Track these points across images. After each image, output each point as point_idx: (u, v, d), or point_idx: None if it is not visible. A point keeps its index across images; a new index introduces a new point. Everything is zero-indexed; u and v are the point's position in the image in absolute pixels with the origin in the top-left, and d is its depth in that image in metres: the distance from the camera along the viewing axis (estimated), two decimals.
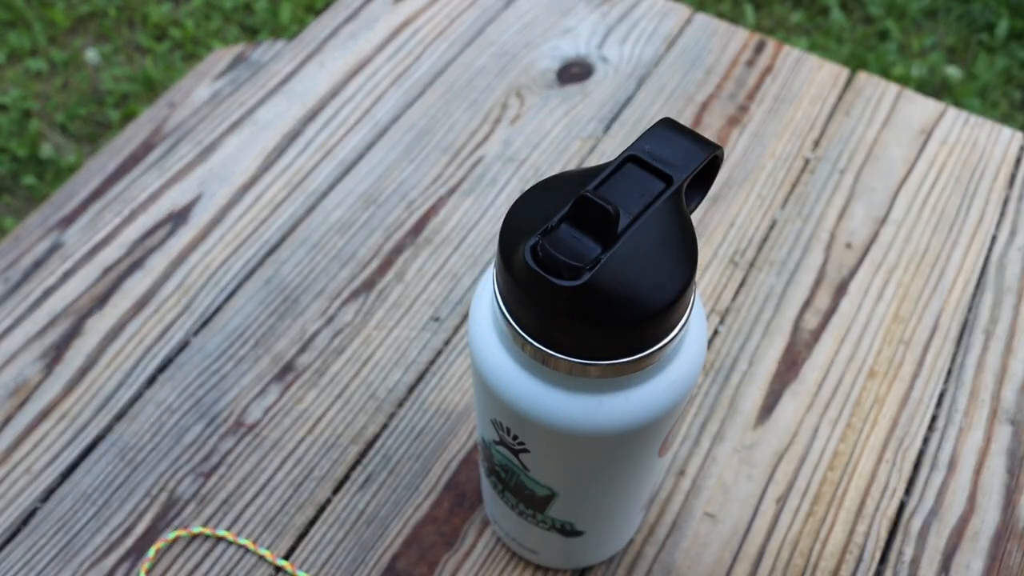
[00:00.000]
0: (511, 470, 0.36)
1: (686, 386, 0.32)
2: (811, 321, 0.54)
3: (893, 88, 0.66)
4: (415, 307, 0.54)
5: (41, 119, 1.47)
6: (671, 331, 0.29)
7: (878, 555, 0.46)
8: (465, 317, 0.54)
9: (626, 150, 0.29)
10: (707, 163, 0.29)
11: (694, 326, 0.32)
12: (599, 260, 0.26)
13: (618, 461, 0.34)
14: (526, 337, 0.29)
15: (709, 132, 0.63)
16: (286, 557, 0.46)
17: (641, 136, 0.29)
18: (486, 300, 0.33)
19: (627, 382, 0.30)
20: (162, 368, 0.52)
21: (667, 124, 0.30)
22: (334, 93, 0.65)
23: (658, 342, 0.29)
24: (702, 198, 0.31)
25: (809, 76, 0.67)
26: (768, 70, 0.67)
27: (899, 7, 1.64)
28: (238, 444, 0.49)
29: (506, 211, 0.30)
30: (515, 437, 0.33)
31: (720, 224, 0.59)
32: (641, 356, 0.29)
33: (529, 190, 0.30)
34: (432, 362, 0.52)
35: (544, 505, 0.37)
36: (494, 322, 0.32)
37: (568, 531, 0.39)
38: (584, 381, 0.30)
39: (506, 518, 0.42)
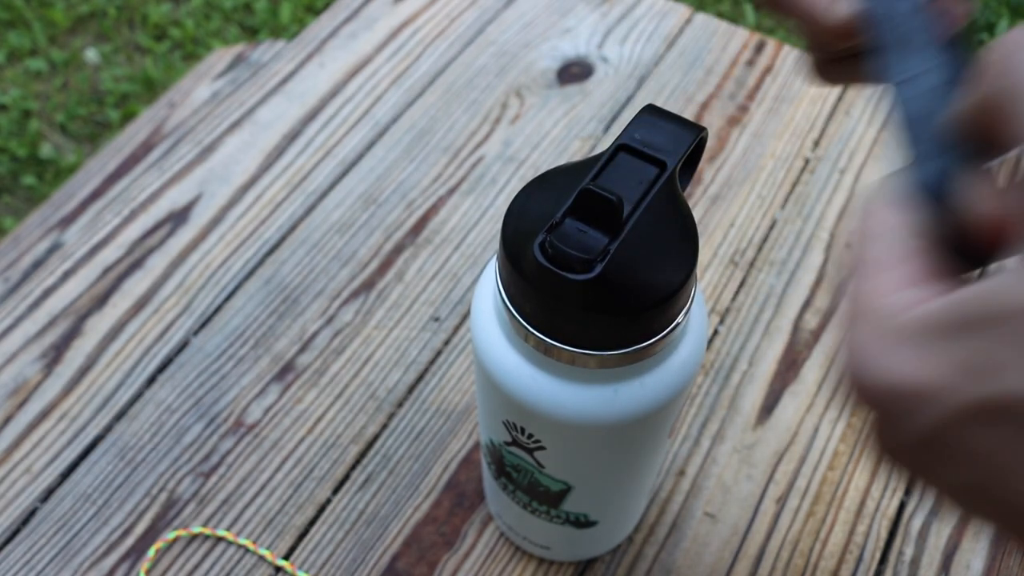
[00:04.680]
0: (524, 469, 0.36)
1: (696, 363, 0.32)
2: (811, 321, 0.54)
3: None
4: (415, 307, 0.54)
5: (41, 119, 1.47)
6: (683, 309, 0.29)
7: (878, 555, 0.46)
8: (465, 317, 0.54)
9: (616, 140, 0.29)
10: (695, 145, 0.29)
11: (696, 301, 0.32)
12: (608, 250, 0.27)
13: (634, 446, 0.34)
14: (550, 342, 0.29)
15: (709, 132, 0.63)
16: (286, 557, 0.46)
17: (628, 125, 0.29)
18: (490, 305, 0.33)
19: (642, 367, 0.30)
20: (162, 368, 0.52)
21: (651, 111, 0.30)
22: (334, 93, 0.65)
23: (673, 322, 0.29)
24: (691, 178, 0.31)
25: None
26: (768, 70, 0.67)
27: None
28: (238, 444, 0.49)
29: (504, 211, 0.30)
30: (530, 436, 0.33)
31: (720, 224, 0.59)
32: (660, 338, 0.29)
33: (524, 188, 0.30)
34: (432, 362, 0.52)
35: (559, 500, 0.37)
36: (502, 327, 0.31)
37: (582, 523, 0.39)
38: (601, 372, 0.30)
39: (515, 517, 0.42)
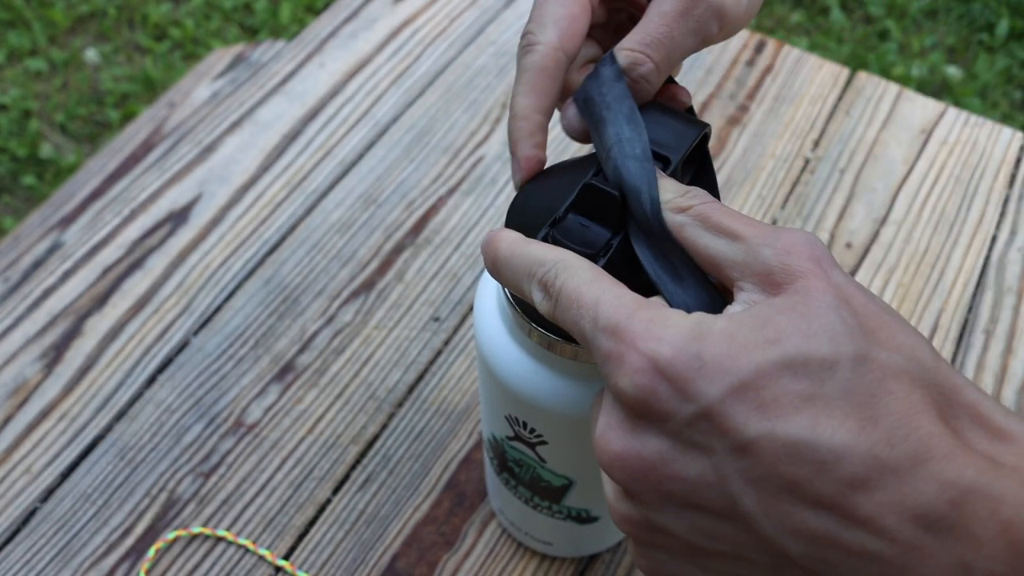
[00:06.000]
0: (526, 464, 0.36)
1: None
2: None
3: (893, 88, 0.66)
4: (415, 307, 0.54)
5: (41, 119, 1.47)
6: None
7: None
8: (465, 317, 0.54)
9: None
10: (698, 141, 0.29)
11: None
12: (611, 245, 0.26)
13: None
14: (553, 337, 0.29)
15: None
16: (286, 557, 0.46)
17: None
18: (493, 300, 0.33)
19: None
20: (162, 368, 0.52)
21: (655, 108, 0.30)
22: (334, 93, 0.65)
23: None
24: (694, 174, 0.31)
25: (809, 76, 0.67)
26: (768, 70, 0.67)
27: (899, 7, 1.64)
28: (238, 444, 0.49)
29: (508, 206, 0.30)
30: (532, 431, 0.33)
31: None
32: None
33: (528, 182, 0.30)
34: (432, 362, 0.52)
35: (560, 495, 0.38)
36: (505, 322, 0.32)
37: (584, 518, 0.40)
38: None
39: (517, 512, 0.42)
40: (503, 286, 0.28)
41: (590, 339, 0.24)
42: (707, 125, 0.30)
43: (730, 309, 0.24)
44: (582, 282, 0.24)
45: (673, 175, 0.28)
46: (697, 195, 0.26)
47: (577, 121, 0.30)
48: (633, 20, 0.33)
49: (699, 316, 0.23)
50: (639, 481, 0.23)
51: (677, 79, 0.34)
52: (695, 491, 0.22)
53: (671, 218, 0.25)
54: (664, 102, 0.31)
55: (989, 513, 0.20)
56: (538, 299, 0.25)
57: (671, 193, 0.26)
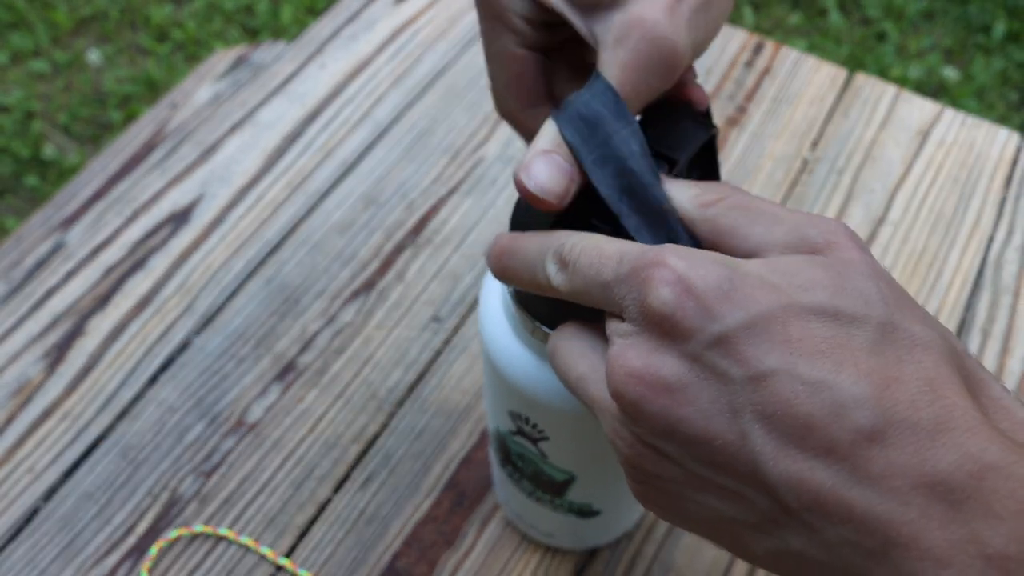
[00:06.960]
0: (529, 459, 0.37)
1: None
2: None
3: (891, 89, 0.67)
4: (415, 307, 0.55)
5: (44, 120, 1.47)
6: None
7: None
8: (465, 317, 0.54)
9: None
10: (705, 143, 0.30)
11: None
12: None
13: None
14: (549, 332, 0.29)
15: None
16: (287, 556, 0.46)
17: (639, 122, 0.30)
18: (498, 298, 0.33)
19: None
20: (164, 368, 0.52)
21: (665, 107, 0.30)
22: (335, 94, 0.65)
23: None
24: (699, 177, 0.31)
25: (807, 77, 0.67)
26: (767, 71, 0.67)
27: (897, 9, 1.64)
28: (239, 443, 0.49)
29: (508, 210, 0.30)
30: (535, 426, 0.34)
31: None
32: None
33: None
34: (432, 362, 0.52)
35: (562, 490, 0.38)
36: (509, 319, 0.32)
37: (585, 512, 0.40)
38: None
39: (520, 504, 0.42)
40: (509, 283, 0.28)
41: (613, 284, 0.23)
42: (714, 127, 0.30)
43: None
44: (603, 241, 0.24)
45: (679, 176, 0.29)
46: (718, 188, 0.25)
47: (559, 171, 0.27)
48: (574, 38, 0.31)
49: (729, 257, 0.22)
50: (650, 402, 0.22)
51: None
52: (705, 419, 0.21)
53: (700, 212, 0.25)
54: (680, 103, 0.30)
55: (1010, 491, 0.19)
56: (552, 273, 0.25)
57: (693, 189, 0.26)
